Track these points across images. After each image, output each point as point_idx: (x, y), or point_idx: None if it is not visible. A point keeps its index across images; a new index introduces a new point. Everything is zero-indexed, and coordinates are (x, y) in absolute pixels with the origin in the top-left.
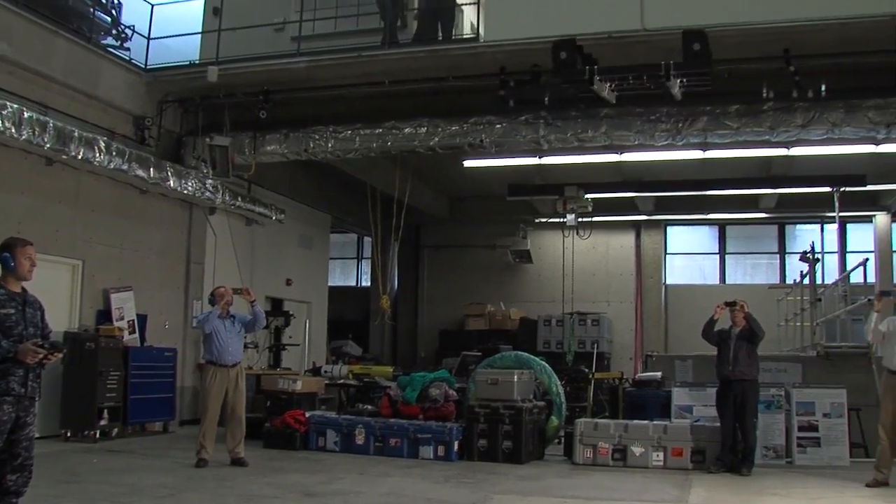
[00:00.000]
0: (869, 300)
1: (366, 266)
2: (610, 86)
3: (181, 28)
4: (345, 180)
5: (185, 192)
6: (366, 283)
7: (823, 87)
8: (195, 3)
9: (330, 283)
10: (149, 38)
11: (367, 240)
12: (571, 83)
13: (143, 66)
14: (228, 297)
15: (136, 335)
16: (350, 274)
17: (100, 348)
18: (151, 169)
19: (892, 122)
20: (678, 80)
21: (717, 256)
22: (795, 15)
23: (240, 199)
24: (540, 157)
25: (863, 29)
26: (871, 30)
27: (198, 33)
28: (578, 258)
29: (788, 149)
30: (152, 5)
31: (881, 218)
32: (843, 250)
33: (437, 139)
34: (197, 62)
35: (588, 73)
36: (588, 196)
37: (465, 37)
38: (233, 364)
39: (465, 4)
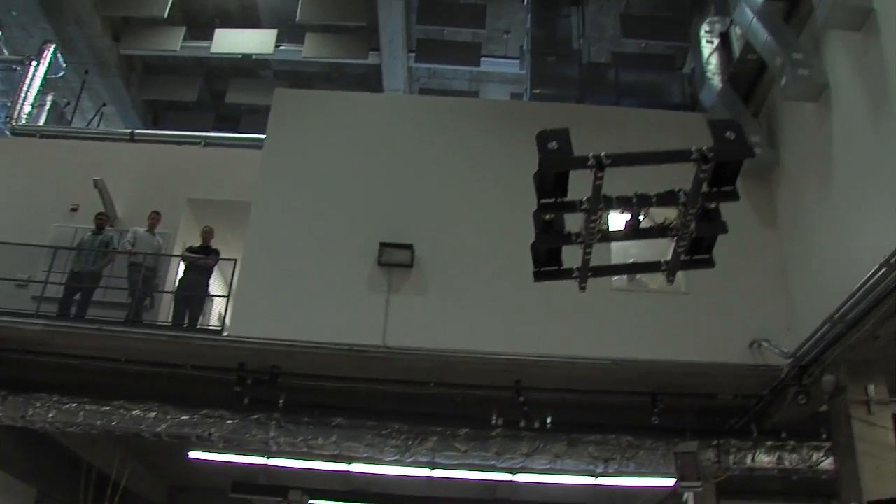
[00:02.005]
0: None
1: None
2: None
3: None
4: (59, 452)
5: None
6: None
7: (549, 420)
8: None
9: None
10: None
11: None
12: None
13: None
14: None
15: None
16: None
17: None
18: None
19: (610, 457)
20: None
21: None
22: (526, 350)
23: None
24: (268, 458)
25: (587, 369)
26: (594, 370)
27: None
28: None
29: (514, 475)
30: None
31: None
32: None
33: (165, 426)
34: None
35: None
36: (312, 502)
37: (210, 327)
38: None
39: (216, 296)
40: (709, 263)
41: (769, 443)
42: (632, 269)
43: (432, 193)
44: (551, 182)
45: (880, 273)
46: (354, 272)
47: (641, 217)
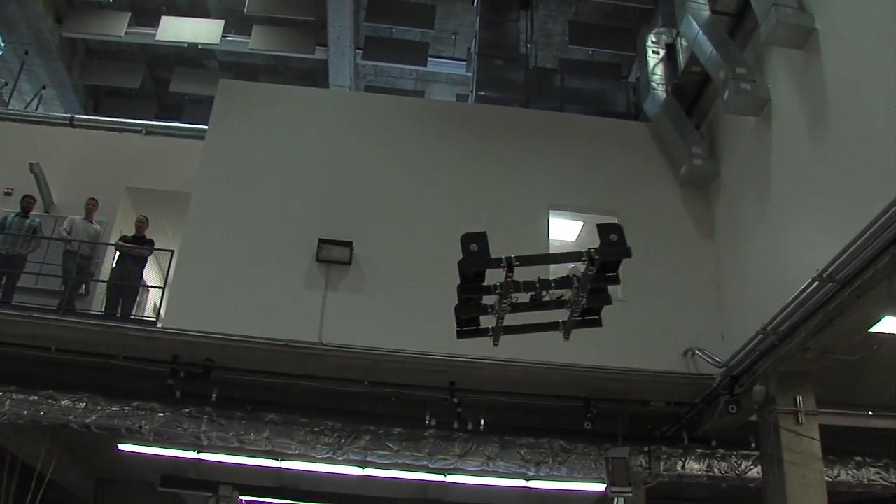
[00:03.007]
0: None
1: None
2: None
3: None
4: None
5: None
6: None
7: (483, 421)
8: None
9: None
10: None
11: None
12: None
13: None
14: None
15: None
16: None
17: None
18: None
19: (542, 460)
20: None
21: None
22: (461, 351)
23: None
24: (199, 452)
25: (521, 372)
26: (528, 374)
27: None
28: None
29: (445, 476)
30: None
31: None
32: None
33: (94, 417)
34: None
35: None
36: (242, 498)
37: (144, 318)
38: None
39: (152, 287)
40: (597, 323)
41: (699, 450)
42: (535, 328)
43: (373, 191)
44: (472, 273)
45: (812, 287)
46: (292, 268)
47: (544, 293)
